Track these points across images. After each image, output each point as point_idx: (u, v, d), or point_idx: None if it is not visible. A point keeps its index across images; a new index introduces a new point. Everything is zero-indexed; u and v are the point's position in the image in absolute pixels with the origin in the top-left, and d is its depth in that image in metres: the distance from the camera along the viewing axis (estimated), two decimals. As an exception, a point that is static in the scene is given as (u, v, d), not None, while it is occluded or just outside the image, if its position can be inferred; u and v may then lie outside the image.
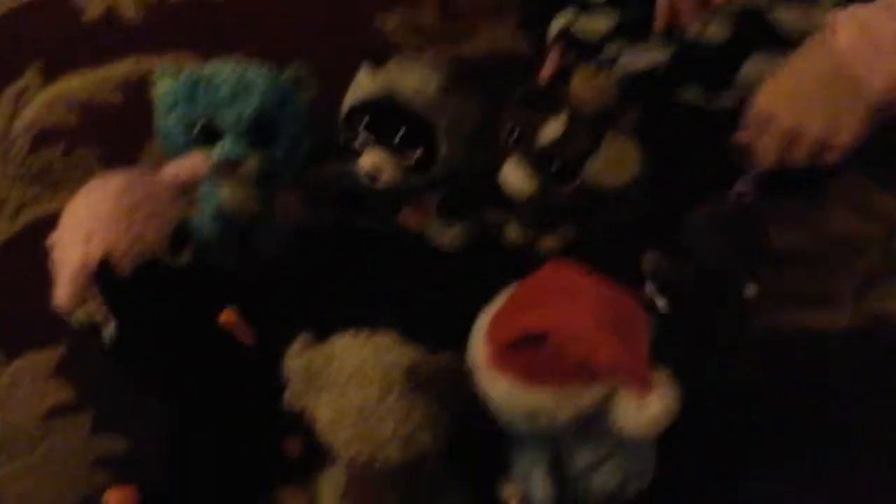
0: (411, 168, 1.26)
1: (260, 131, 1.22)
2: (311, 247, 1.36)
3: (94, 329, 1.20)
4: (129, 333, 1.06)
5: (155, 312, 1.05)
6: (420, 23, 1.72)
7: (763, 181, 1.21)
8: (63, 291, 1.07)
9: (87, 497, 1.12)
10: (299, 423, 0.99)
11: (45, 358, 1.25)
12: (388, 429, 0.92)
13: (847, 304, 1.25)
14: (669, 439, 0.95)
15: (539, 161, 1.22)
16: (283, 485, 1.11)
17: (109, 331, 1.12)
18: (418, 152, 1.25)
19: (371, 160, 1.25)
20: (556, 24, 1.45)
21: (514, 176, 1.23)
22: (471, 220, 1.36)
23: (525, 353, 0.91)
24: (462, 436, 0.98)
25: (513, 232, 1.36)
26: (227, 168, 1.22)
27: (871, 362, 1.23)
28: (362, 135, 1.26)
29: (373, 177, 1.25)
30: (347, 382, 0.94)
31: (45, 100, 1.61)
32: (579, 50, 1.42)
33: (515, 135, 1.23)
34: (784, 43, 1.29)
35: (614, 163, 1.22)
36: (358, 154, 1.26)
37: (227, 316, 1.05)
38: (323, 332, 1.00)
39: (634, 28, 1.40)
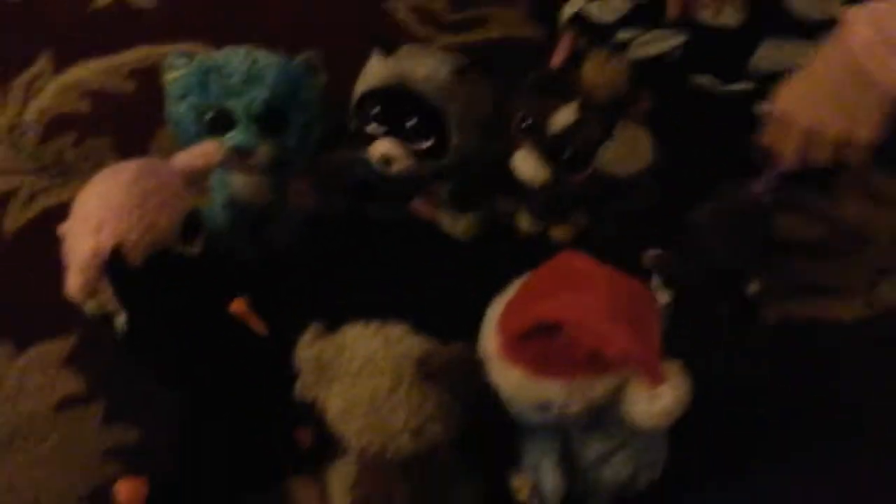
0: (423, 156, 1.25)
1: (271, 119, 1.22)
2: (322, 235, 1.36)
3: (106, 318, 1.21)
4: (140, 323, 1.06)
5: (166, 302, 1.05)
6: (431, 10, 1.71)
7: (782, 180, 1.21)
8: (74, 281, 1.07)
9: (98, 487, 1.12)
10: (311, 414, 0.99)
11: (56, 348, 1.25)
12: (398, 419, 0.92)
13: (858, 294, 1.25)
14: (681, 430, 0.94)
15: (551, 149, 1.21)
16: (294, 475, 1.11)
17: (121, 320, 1.12)
18: (430, 141, 1.24)
19: (382, 148, 1.25)
20: (568, 10, 1.44)
21: (526, 164, 1.23)
22: (482, 209, 1.36)
23: (537, 343, 0.91)
24: (473, 426, 0.98)
25: (524, 221, 1.36)
26: (238, 156, 1.22)
27: (883, 353, 1.23)
28: (373, 123, 1.26)
29: (384, 165, 1.25)
30: (358, 373, 0.94)
31: (57, 88, 1.61)
32: (591, 36, 1.41)
33: (527, 122, 1.23)
34: (797, 29, 1.29)
35: (626, 151, 1.21)
36: (369, 142, 1.26)
37: (239, 305, 1.05)
38: (334, 322, 1.00)
39: (647, 14, 1.39)
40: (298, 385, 0.98)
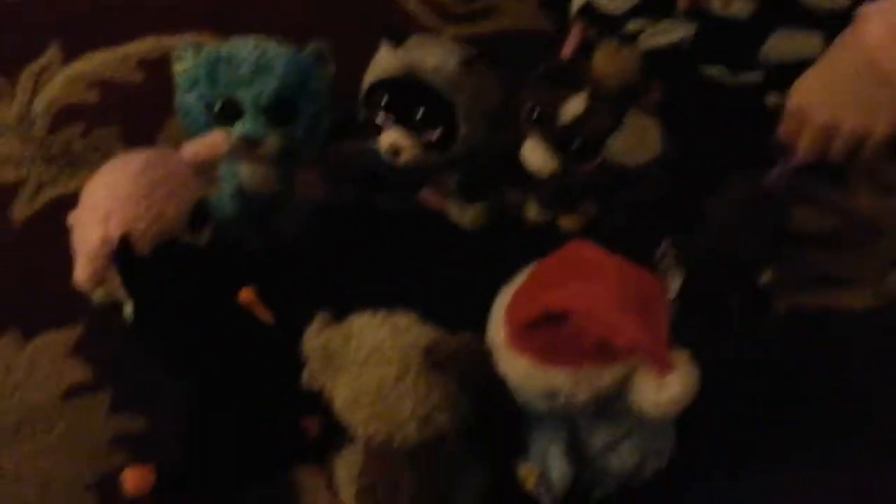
0: (431, 147, 1.25)
1: (280, 109, 1.22)
2: (330, 225, 1.36)
3: (113, 307, 1.21)
4: (148, 312, 1.06)
5: (174, 291, 1.05)
6: (440, 0, 1.71)
7: (797, 172, 1.21)
8: (82, 270, 1.07)
9: (106, 476, 1.12)
10: (317, 403, 0.98)
11: (63, 337, 1.25)
12: (405, 408, 0.92)
13: (870, 285, 1.25)
14: (688, 419, 0.94)
15: (560, 139, 1.21)
16: (300, 464, 1.11)
17: (129, 309, 1.12)
18: (438, 131, 1.24)
19: (391, 138, 1.24)
20: (578, 1, 1.44)
21: (535, 154, 1.23)
22: (490, 199, 1.36)
23: (544, 332, 0.91)
24: (480, 415, 0.97)
25: (533, 211, 1.35)
26: (247, 146, 1.22)
27: (893, 343, 1.23)
28: (382, 113, 1.26)
29: (393, 155, 1.25)
30: (365, 362, 0.94)
31: (65, 78, 1.61)
32: (601, 26, 1.41)
33: (536, 113, 1.22)
34: (807, 19, 1.29)
35: (636, 141, 1.21)
36: (378, 132, 1.26)
37: (247, 295, 1.05)
38: (341, 311, 1.00)
39: (657, 4, 1.39)
40: (305, 374, 0.98)
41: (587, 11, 1.42)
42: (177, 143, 1.18)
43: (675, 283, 1.15)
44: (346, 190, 1.38)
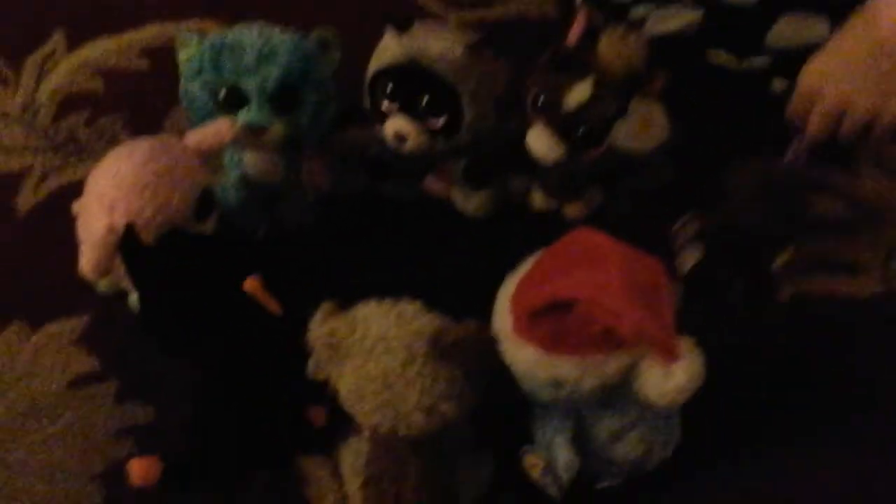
0: (436, 134, 1.25)
1: (285, 97, 1.22)
2: (335, 214, 1.36)
3: (119, 297, 1.21)
4: (153, 302, 1.06)
5: (179, 281, 1.04)
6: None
7: (810, 151, 1.21)
8: (88, 260, 1.07)
9: (111, 466, 1.12)
10: (323, 392, 0.99)
11: (69, 327, 1.25)
12: (411, 397, 0.92)
13: (874, 271, 1.25)
14: (694, 408, 0.94)
15: (565, 126, 1.21)
16: (306, 453, 1.11)
17: (134, 298, 1.12)
18: (443, 118, 1.24)
19: (396, 126, 1.24)
20: (584, -14, 1.43)
21: (540, 141, 1.23)
22: (496, 186, 1.36)
23: (550, 320, 0.91)
24: (486, 405, 0.97)
25: (538, 199, 1.35)
26: (252, 134, 1.21)
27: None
28: (387, 101, 1.25)
29: (398, 143, 1.25)
30: (371, 351, 0.94)
31: (70, 66, 1.61)
32: (607, 12, 1.40)
33: (541, 100, 1.22)
34: (814, 5, 1.28)
35: (641, 128, 1.21)
36: (383, 120, 1.26)
37: (252, 284, 1.05)
38: (347, 300, 0.99)
39: (664, -11, 1.38)
40: (311, 363, 0.98)
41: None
42: (181, 132, 1.18)
43: (692, 259, 1.15)
44: (351, 178, 1.37)
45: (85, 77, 1.60)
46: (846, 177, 1.25)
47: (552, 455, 1.01)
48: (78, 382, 1.20)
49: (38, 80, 1.59)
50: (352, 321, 0.96)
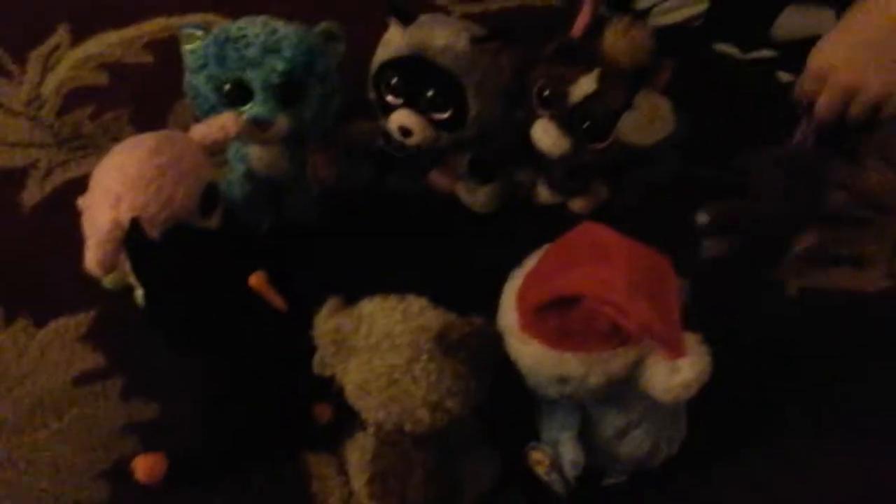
0: (441, 127, 1.24)
1: (290, 90, 1.21)
2: (340, 208, 1.36)
3: (125, 292, 1.21)
4: (158, 297, 1.06)
5: (184, 276, 1.04)
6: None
7: (821, 132, 1.21)
8: (93, 255, 1.06)
9: (117, 462, 1.12)
10: (329, 388, 0.98)
11: (74, 323, 1.25)
12: (416, 394, 0.92)
13: (881, 264, 1.24)
14: (700, 405, 0.94)
15: (570, 119, 1.20)
16: (312, 450, 1.11)
17: (140, 293, 1.12)
18: (448, 111, 1.23)
19: (400, 119, 1.24)
20: (590, -23, 1.43)
21: (546, 134, 1.22)
22: (501, 180, 1.35)
23: (555, 316, 0.90)
24: (491, 401, 0.97)
25: (543, 192, 1.35)
26: (257, 128, 1.21)
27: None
28: (391, 94, 1.25)
29: (402, 136, 1.25)
30: (376, 347, 0.93)
31: (75, 60, 1.61)
32: (612, 4, 1.40)
33: (546, 92, 1.22)
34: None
35: (647, 120, 1.21)
36: (388, 113, 1.25)
37: (257, 279, 1.04)
38: (352, 296, 0.99)
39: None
40: (316, 359, 0.98)
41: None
42: (186, 126, 1.18)
43: (717, 247, 1.15)
44: (356, 172, 1.37)
45: (89, 71, 1.60)
46: (852, 170, 1.24)
47: (558, 451, 1.01)
48: (83, 379, 1.20)
49: (43, 74, 1.59)
50: (357, 317, 0.96)
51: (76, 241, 1.09)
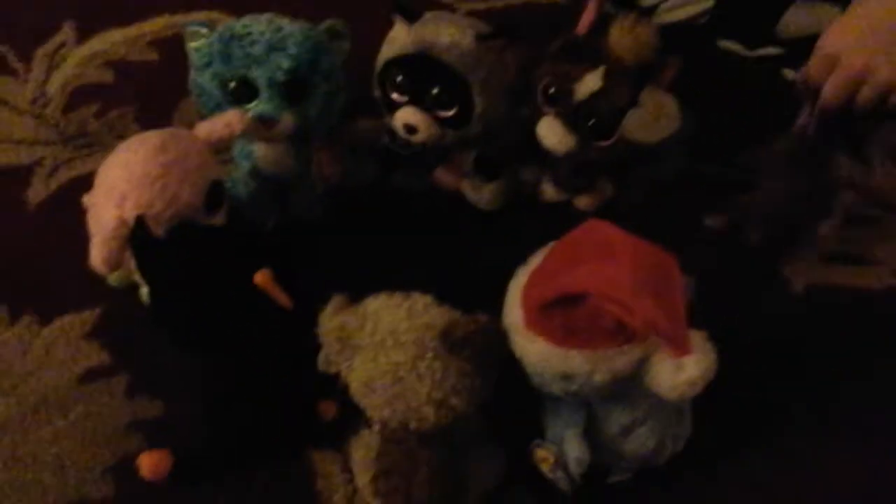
0: (447, 125, 1.24)
1: (295, 88, 1.21)
2: (345, 205, 1.35)
3: (131, 290, 1.21)
4: (164, 295, 1.06)
5: (189, 274, 1.04)
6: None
7: (825, 118, 1.21)
8: (98, 253, 1.06)
9: (122, 460, 1.12)
10: (334, 386, 0.98)
11: (80, 320, 1.25)
12: (421, 391, 0.92)
13: (887, 262, 1.24)
14: (705, 403, 0.94)
15: (576, 117, 1.20)
16: (316, 448, 1.11)
17: (145, 291, 1.12)
18: (453, 109, 1.23)
19: (406, 117, 1.24)
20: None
21: (551, 132, 1.22)
22: (506, 178, 1.35)
23: (560, 314, 0.90)
24: (496, 399, 0.97)
25: (549, 190, 1.35)
26: (262, 126, 1.21)
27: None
28: (397, 91, 1.25)
29: (408, 134, 1.25)
30: (381, 344, 0.93)
31: (80, 58, 1.61)
32: (617, 1, 1.40)
33: (552, 90, 1.22)
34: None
35: (653, 118, 1.20)
36: (393, 111, 1.25)
37: (262, 277, 1.04)
38: (357, 293, 0.99)
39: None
40: (321, 357, 0.98)
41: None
42: (191, 124, 1.18)
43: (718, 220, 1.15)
44: (361, 170, 1.37)
45: (95, 69, 1.60)
46: (858, 168, 1.24)
47: (563, 449, 1.01)
48: (88, 376, 1.20)
49: (49, 72, 1.59)
50: (362, 315, 0.96)
51: (81, 239, 1.09)
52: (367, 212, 1.36)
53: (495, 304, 0.98)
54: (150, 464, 1.07)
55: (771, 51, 1.36)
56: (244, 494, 1.09)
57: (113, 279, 1.23)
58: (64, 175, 1.43)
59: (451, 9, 1.65)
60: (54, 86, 1.57)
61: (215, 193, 1.12)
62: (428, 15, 1.25)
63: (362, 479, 1.04)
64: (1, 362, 1.21)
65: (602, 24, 1.25)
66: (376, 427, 1.00)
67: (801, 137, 1.24)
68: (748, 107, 1.36)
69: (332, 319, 0.96)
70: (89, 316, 1.25)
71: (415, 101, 1.24)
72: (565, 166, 1.29)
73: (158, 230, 1.05)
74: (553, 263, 0.96)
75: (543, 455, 1.03)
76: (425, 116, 1.24)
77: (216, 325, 1.04)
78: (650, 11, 1.39)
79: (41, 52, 1.63)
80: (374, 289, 0.99)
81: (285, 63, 1.18)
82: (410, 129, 1.24)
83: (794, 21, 1.31)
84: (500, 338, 0.95)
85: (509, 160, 1.34)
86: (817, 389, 1.16)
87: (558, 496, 1.04)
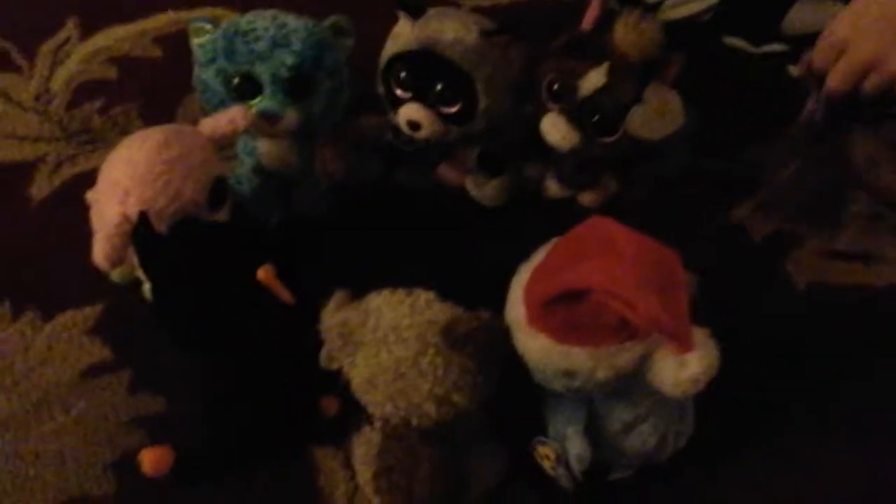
0: (450, 121, 1.24)
1: (299, 84, 1.21)
2: (348, 202, 1.35)
3: (134, 286, 1.21)
4: (166, 291, 1.05)
5: (192, 270, 1.04)
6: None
7: (832, 106, 1.21)
8: (101, 249, 1.06)
9: (124, 456, 1.12)
10: (336, 382, 0.98)
11: (82, 316, 1.25)
12: (423, 387, 0.92)
13: (891, 261, 1.24)
14: (707, 400, 0.94)
15: (580, 113, 1.20)
16: (318, 444, 1.11)
17: (148, 287, 1.12)
18: (457, 105, 1.23)
19: (409, 113, 1.24)
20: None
21: (555, 128, 1.22)
22: (510, 174, 1.35)
23: (563, 310, 0.90)
24: (498, 395, 0.97)
25: (552, 186, 1.35)
26: (266, 122, 1.21)
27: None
28: (401, 88, 1.25)
29: (412, 130, 1.24)
30: (383, 341, 0.93)
31: (84, 54, 1.61)
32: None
33: (556, 86, 1.21)
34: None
35: (657, 115, 1.20)
36: (397, 107, 1.25)
37: (265, 273, 1.04)
38: (360, 289, 0.99)
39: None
40: (323, 353, 0.97)
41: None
42: (195, 120, 1.18)
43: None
44: (365, 166, 1.37)
45: (98, 65, 1.60)
46: (865, 167, 1.24)
47: (565, 446, 1.01)
48: (91, 372, 1.20)
49: (52, 68, 1.59)
50: (364, 311, 0.96)
51: (84, 235, 1.09)
52: (371, 208, 1.36)
53: (498, 300, 0.97)
54: (151, 460, 1.06)
55: (776, 47, 1.35)
56: (244, 493, 1.09)
57: (115, 275, 1.23)
58: (67, 171, 1.43)
59: (456, 5, 1.65)
60: (58, 82, 1.57)
61: (218, 190, 1.12)
62: (432, 11, 1.25)
63: (364, 475, 1.03)
64: (3, 358, 1.21)
65: (606, 20, 1.25)
66: (378, 424, 1.00)
67: (808, 124, 1.24)
68: (753, 103, 1.35)
69: (334, 315, 0.96)
70: (91, 312, 1.25)
71: (418, 97, 1.24)
72: (569, 163, 1.29)
73: (161, 226, 1.05)
74: (556, 260, 0.96)
75: (545, 452, 1.03)
76: (429, 113, 1.23)
77: (219, 322, 1.04)
78: (655, 8, 1.39)
79: (45, 49, 1.63)
80: (376, 285, 0.99)
81: (289, 59, 1.18)
82: (414, 126, 1.24)
83: (799, 18, 1.31)
84: (502, 334, 0.95)
85: (513, 156, 1.34)
86: (818, 388, 1.15)
87: (560, 493, 1.04)
